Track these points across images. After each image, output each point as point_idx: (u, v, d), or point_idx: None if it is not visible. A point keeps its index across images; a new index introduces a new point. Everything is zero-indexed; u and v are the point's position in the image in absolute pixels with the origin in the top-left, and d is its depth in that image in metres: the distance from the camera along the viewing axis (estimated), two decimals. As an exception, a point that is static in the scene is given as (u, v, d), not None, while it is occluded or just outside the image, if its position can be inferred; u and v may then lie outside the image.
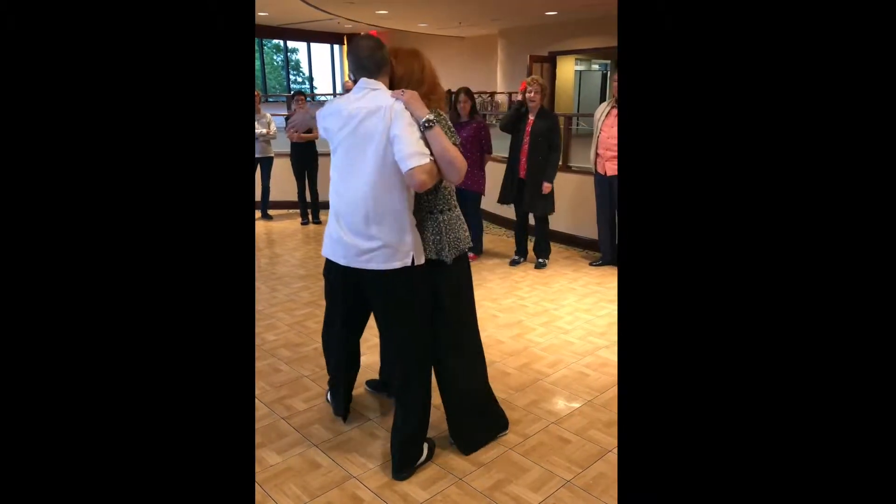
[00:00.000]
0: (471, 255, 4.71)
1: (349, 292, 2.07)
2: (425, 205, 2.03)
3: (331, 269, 2.08)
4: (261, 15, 13.91)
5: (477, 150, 4.42)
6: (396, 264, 1.91)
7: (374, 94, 1.90)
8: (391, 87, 1.96)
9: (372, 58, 1.94)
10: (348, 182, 1.89)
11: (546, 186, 4.20)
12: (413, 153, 1.79)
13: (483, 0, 10.30)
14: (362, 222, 1.88)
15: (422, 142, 1.82)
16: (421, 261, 1.97)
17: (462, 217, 2.12)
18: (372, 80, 1.93)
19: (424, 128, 1.83)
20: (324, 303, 2.27)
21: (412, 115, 1.84)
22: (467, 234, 2.13)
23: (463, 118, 4.44)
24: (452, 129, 1.99)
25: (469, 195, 4.45)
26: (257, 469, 2.06)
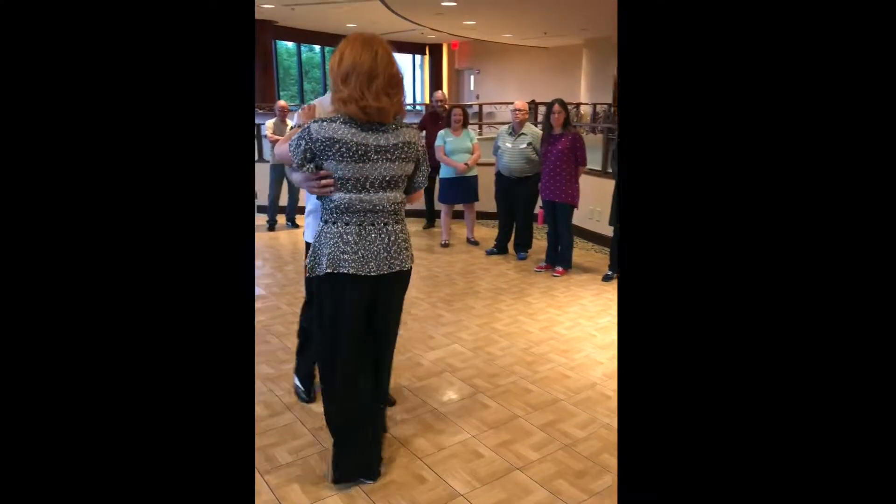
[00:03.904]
0: (559, 269, 4.66)
1: None
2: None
3: None
4: (349, 26, 14.36)
5: (572, 163, 4.33)
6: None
7: None
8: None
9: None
10: None
11: None
12: None
13: (570, 9, 10.17)
14: None
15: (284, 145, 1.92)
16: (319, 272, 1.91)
17: (344, 236, 1.81)
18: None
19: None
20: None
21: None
22: (343, 256, 1.82)
23: (556, 130, 4.36)
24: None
25: (561, 207, 4.37)
26: (364, 482, 2.06)
